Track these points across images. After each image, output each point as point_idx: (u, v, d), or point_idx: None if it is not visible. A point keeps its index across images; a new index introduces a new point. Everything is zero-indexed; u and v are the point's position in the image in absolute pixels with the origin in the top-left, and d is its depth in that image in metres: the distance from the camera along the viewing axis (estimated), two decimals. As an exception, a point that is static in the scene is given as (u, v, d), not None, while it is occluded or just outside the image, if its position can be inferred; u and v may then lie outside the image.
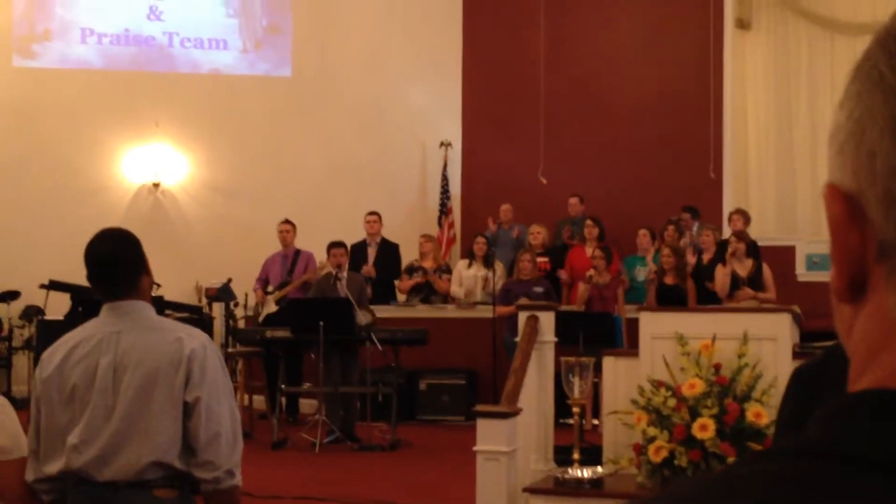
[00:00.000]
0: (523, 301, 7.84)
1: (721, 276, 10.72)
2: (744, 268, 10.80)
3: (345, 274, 10.76)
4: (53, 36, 14.73)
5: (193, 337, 3.30)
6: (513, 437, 6.18)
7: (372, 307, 11.04)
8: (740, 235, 11.09)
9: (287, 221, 12.27)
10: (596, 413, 10.01)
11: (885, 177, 0.69)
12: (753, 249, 10.96)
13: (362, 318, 10.40)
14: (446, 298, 12.71)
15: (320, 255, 11.46)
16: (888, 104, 0.69)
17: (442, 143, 14.73)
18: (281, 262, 12.17)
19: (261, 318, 11.97)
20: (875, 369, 0.71)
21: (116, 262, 3.33)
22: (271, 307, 11.95)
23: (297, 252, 12.20)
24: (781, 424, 1.45)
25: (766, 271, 10.82)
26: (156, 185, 14.60)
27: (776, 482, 0.66)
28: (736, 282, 10.68)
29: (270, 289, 12.07)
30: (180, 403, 3.21)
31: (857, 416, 0.69)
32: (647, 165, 13.90)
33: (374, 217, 12.84)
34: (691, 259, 11.70)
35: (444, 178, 14.64)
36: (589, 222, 12.60)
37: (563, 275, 12.24)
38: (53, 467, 3.27)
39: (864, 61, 0.72)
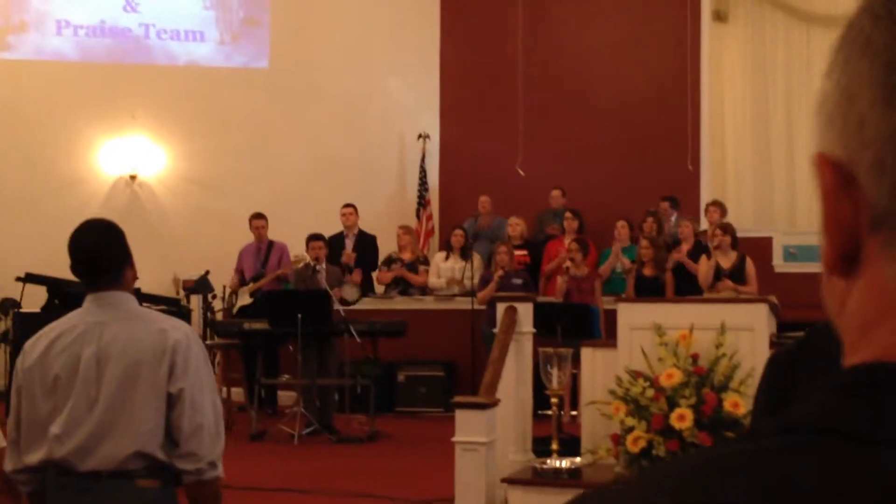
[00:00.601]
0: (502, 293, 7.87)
1: (704, 268, 10.76)
2: (728, 260, 10.83)
3: (323, 266, 10.78)
4: (29, 27, 14.65)
5: (177, 328, 3.31)
6: (491, 428, 6.21)
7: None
8: (726, 228, 11.09)
9: (260, 216, 12.24)
10: (574, 404, 10.05)
11: (875, 144, 0.68)
12: (735, 241, 11.00)
13: (349, 294, 10.42)
14: (424, 290, 12.73)
15: (298, 248, 11.45)
16: (875, 70, 0.68)
17: (420, 136, 14.73)
18: (255, 254, 12.16)
19: (234, 310, 11.95)
20: (871, 344, 0.70)
21: (101, 253, 3.34)
22: (245, 299, 11.94)
23: (271, 244, 12.19)
24: (757, 412, 1.47)
25: (750, 265, 10.83)
26: (133, 178, 14.55)
27: (772, 458, 0.64)
28: (718, 274, 10.72)
29: (244, 280, 12.07)
30: (163, 394, 3.22)
31: (855, 390, 0.67)
32: (625, 157, 13.94)
33: (350, 209, 12.84)
34: (680, 249, 11.69)
35: (423, 170, 14.65)
36: (568, 215, 12.65)
37: (546, 265, 12.23)
38: (34, 457, 3.27)
39: (849, 29, 0.71)
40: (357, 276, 12.26)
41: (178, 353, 3.23)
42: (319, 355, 10.43)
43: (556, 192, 13.43)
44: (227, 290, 12.21)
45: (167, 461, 3.23)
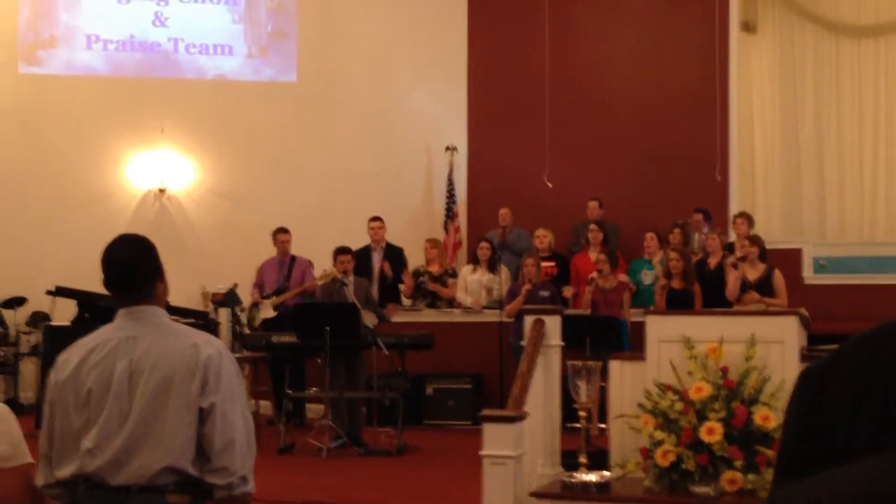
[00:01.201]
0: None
1: (732, 280, 10.70)
2: (756, 271, 10.76)
3: (351, 279, 10.79)
4: (59, 42, 14.77)
5: (209, 343, 3.32)
6: (519, 441, 6.18)
7: (382, 310, 11.08)
8: (754, 240, 11.03)
9: (285, 230, 12.26)
10: (603, 417, 10.00)
11: None
12: (763, 253, 10.94)
13: (368, 319, 10.43)
14: (452, 302, 12.71)
15: (325, 261, 11.46)
16: None
17: (447, 148, 14.74)
18: (277, 268, 12.18)
19: (256, 323, 11.96)
20: None
21: (133, 268, 3.36)
22: (269, 312, 11.96)
23: (293, 258, 12.21)
24: (789, 428, 1.45)
25: (778, 277, 10.75)
26: (161, 191, 14.63)
27: None
28: (744, 286, 10.66)
29: (265, 293, 12.08)
30: (195, 409, 3.22)
31: None
32: (654, 168, 13.90)
33: (378, 223, 12.85)
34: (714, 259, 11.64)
35: (450, 183, 14.65)
36: (593, 227, 12.61)
37: (567, 293, 12.14)
38: (66, 471, 3.28)
39: None
40: (392, 311, 12.11)
41: (211, 368, 3.24)
42: (348, 368, 10.44)
43: (592, 204, 13.39)
44: (249, 304, 12.24)
45: (198, 476, 3.24)
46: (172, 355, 3.26)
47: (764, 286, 10.67)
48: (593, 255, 12.10)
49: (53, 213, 14.16)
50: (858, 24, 14.09)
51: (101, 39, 14.82)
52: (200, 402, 3.22)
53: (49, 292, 11.66)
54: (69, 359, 3.35)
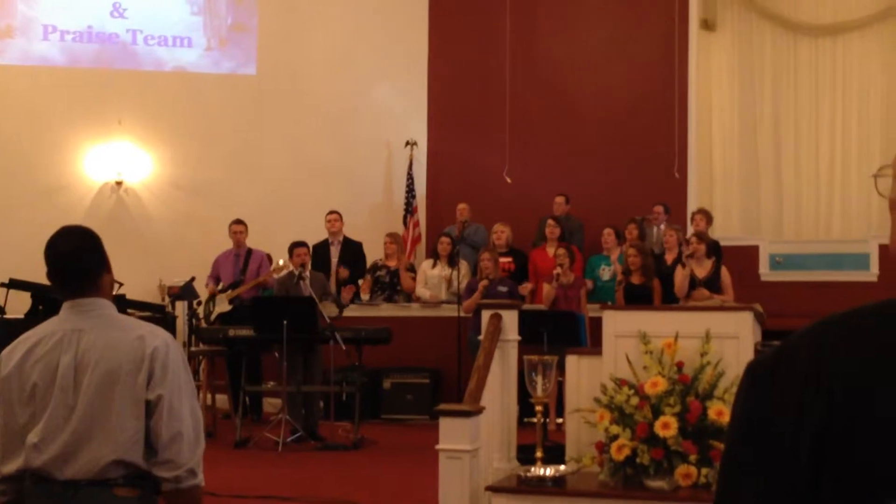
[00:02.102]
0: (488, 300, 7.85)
1: (680, 277, 10.77)
2: (703, 269, 10.84)
3: (307, 273, 10.76)
4: (15, 33, 14.60)
5: (155, 335, 3.28)
6: (475, 435, 6.19)
7: (339, 298, 11.06)
8: (701, 236, 11.13)
9: (239, 222, 12.18)
10: (560, 411, 10.03)
11: None
12: (715, 250, 11.01)
13: (328, 311, 10.40)
14: (410, 297, 12.70)
15: (283, 255, 11.42)
16: None
17: (407, 143, 14.71)
18: (233, 261, 12.08)
19: (212, 317, 11.89)
20: None
21: (77, 260, 3.31)
22: (224, 306, 11.88)
23: (249, 251, 12.13)
24: (734, 423, 1.44)
25: (725, 273, 10.86)
26: (119, 184, 14.50)
27: None
28: (693, 282, 10.73)
29: (221, 286, 12.00)
30: (142, 402, 3.19)
31: None
32: (612, 165, 13.94)
33: (335, 216, 12.83)
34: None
35: (410, 178, 14.62)
36: (551, 222, 12.63)
37: (524, 290, 12.13)
38: (12, 466, 3.24)
39: None
40: (347, 293, 12.17)
41: (157, 360, 3.20)
42: (304, 362, 10.41)
43: (559, 199, 13.39)
44: (204, 298, 12.15)
45: (147, 469, 3.20)
46: (118, 348, 3.22)
47: (712, 283, 10.75)
48: (551, 250, 12.12)
49: (8, 204, 14.01)
50: (816, 23, 14.20)
51: (58, 30, 14.67)
52: (147, 395, 3.18)
53: (2, 284, 11.53)
54: (13, 353, 3.30)
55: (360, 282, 12.90)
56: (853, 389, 1.30)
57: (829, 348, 1.35)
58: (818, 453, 1.30)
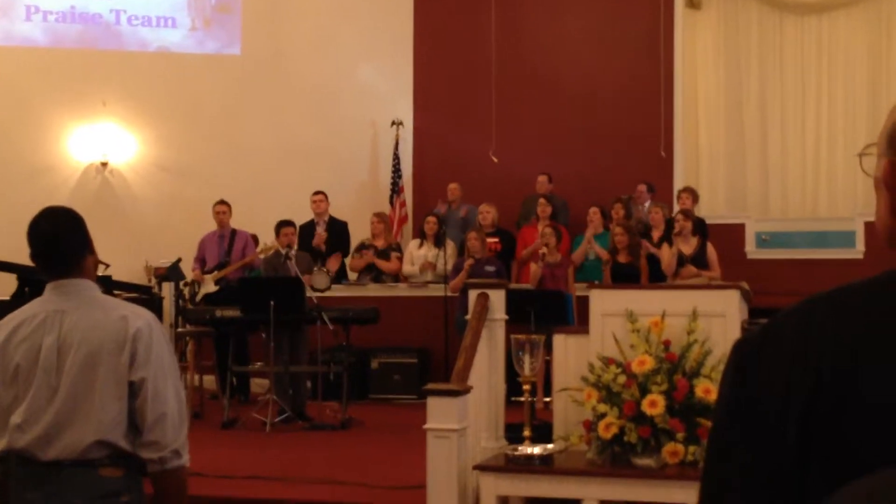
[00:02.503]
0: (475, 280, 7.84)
1: (667, 255, 10.79)
2: (689, 246, 10.88)
3: (294, 252, 10.74)
4: (-3, 13, 14.50)
5: (139, 316, 3.27)
6: (463, 414, 6.19)
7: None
8: (687, 214, 11.17)
9: (223, 202, 12.14)
10: (547, 390, 10.04)
11: None
12: (701, 227, 11.04)
13: (319, 282, 10.38)
14: (397, 277, 12.70)
15: (269, 235, 11.39)
16: None
17: (393, 123, 14.67)
18: (218, 242, 12.04)
19: (198, 298, 11.86)
20: None
21: (60, 241, 3.29)
22: (210, 287, 11.84)
23: (234, 232, 12.09)
24: (720, 402, 1.44)
25: (711, 250, 10.91)
26: (104, 165, 14.44)
27: None
28: (681, 260, 10.76)
29: (207, 268, 11.96)
30: (125, 383, 3.18)
31: None
32: (599, 145, 13.94)
33: (320, 196, 12.80)
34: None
35: (396, 157, 14.60)
36: (542, 201, 12.63)
37: (521, 251, 12.18)
38: (-5, 447, 3.23)
39: None
40: (333, 263, 12.21)
41: (140, 342, 3.19)
42: (292, 342, 10.40)
43: (542, 178, 13.38)
44: (190, 279, 12.12)
45: (130, 450, 3.19)
46: (101, 328, 3.20)
47: (699, 259, 10.79)
48: (541, 228, 12.12)
49: (-8, 186, 13.95)
50: (802, 1, 14.19)
51: (40, 10, 14.56)
52: (130, 376, 3.17)
53: (-13, 266, 11.47)
54: None
55: (347, 261, 12.89)
56: (840, 368, 1.29)
57: (816, 326, 1.34)
58: (805, 432, 1.29)
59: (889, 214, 1.43)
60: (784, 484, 1.30)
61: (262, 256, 11.34)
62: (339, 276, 12.57)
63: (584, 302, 7.48)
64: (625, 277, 10.77)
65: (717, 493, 1.37)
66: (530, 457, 6.18)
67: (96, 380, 3.17)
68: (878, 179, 1.45)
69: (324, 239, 12.43)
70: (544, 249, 11.25)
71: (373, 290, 12.47)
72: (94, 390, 3.17)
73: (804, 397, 1.30)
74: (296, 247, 10.89)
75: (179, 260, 12.35)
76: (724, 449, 1.38)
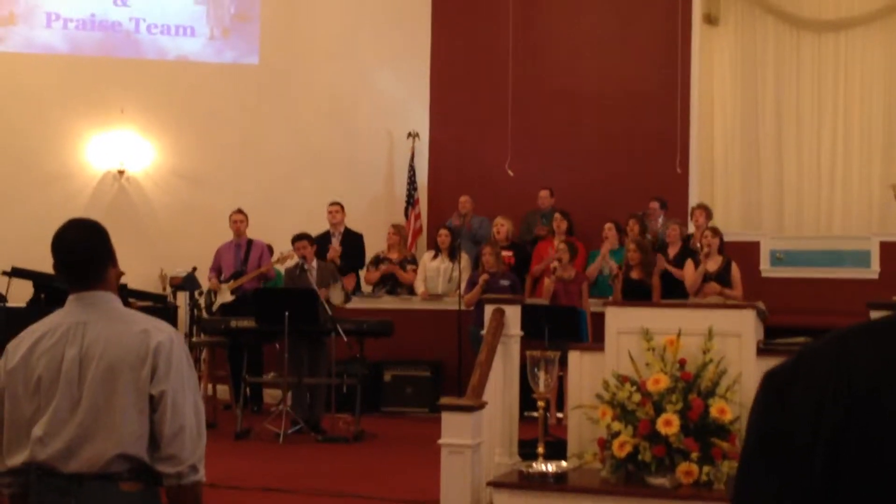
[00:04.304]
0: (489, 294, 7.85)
1: (691, 272, 10.77)
2: (714, 263, 10.86)
3: (314, 264, 10.75)
4: (18, 20, 14.57)
5: (160, 329, 3.28)
6: (477, 430, 6.19)
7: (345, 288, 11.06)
8: (715, 232, 11.13)
9: (240, 211, 12.16)
10: (561, 407, 10.04)
11: None
12: (722, 245, 11.03)
13: (335, 296, 10.38)
14: (412, 290, 12.70)
15: (285, 244, 11.41)
16: None
17: (409, 134, 14.69)
18: (234, 252, 12.05)
19: (214, 307, 11.88)
20: None
21: (84, 253, 3.31)
22: (226, 296, 11.86)
23: (250, 242, 12.10)
24: (750, 431, 1.44)
25: (735, 269, 10.87)
26: (121, 172, 14.48)
27: None
28: (704, 277, 10.74)
29: (223, 277, 11.98)
30: (146, 396, 3.19)
31: None
32: (615, 159, 13.93)
33: (337, 207, 12.81)
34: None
35: (412, 169, 14.61)
36: (557, 216, 12.60)
37: (535, 267, 12.19)
38: (17, 459, 3.24)
39: None
40: (350, 281, 12.17)
41: (161, 355, 3.20)
42: (310, 354, 10.40)
43: (543, 193, 13.38)
44: (206, 289, 12.14)
45: (151, 464, 3.21)
46: (122, 341, 3.22)
47: (723, 277, 10.77)
48: (556, 243, 12.11)
49: (10, 192, 14.00)
50: (819, 18, 14.17)
51: (61, 18, 14.64)
52: (150, 390, 3.18)
53: (5, 273, 11.52)
54: (19, 346, 3.30)
55: (362, 273, 12.89)
56: (872, 399, 1.31)
57: (850, 358, 1.35)
58: (834, 461, 1.30)
59: None
60: None
61: (276, 266, 11.35)
62: (353, 288, 12.54)
63: (598, 318, 7.49)
64: (637, 294, 10.76)
65: None
66: (544, 474, 6.18)
67: (117, 393, 3.18)
68: None
69: (338, 253, 12.44)
70: (556, 264, 11.25)
71: (387, 302, 12.47)
72: (115, 403, 3.18)
73: (833, 427, 1.31)
74: (312, 259, 10.88)
75: (195, 269, 12.40)
76: (752, 482, 1.39)
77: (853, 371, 1.33)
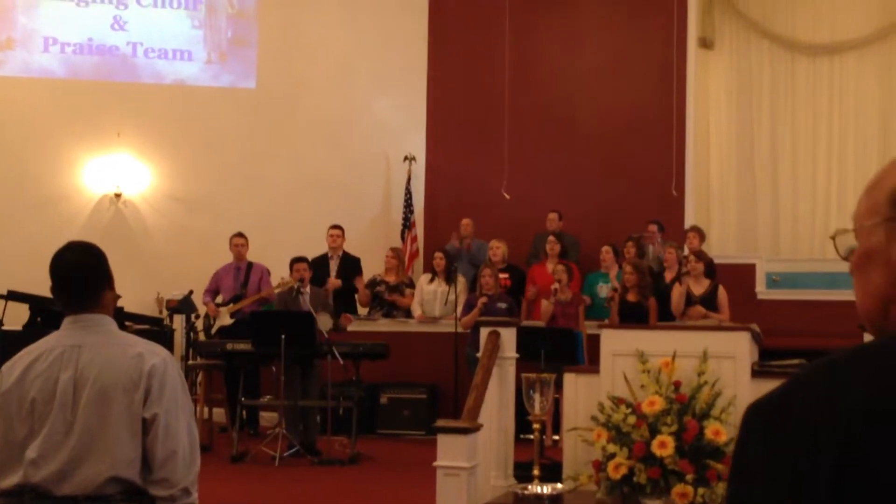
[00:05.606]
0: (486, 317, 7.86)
1: (676, 295, 10.79)
2: (700, 287, 10.87)
3: (307, 288, 10.77)
4: (16, 44, 14.62)
5: (154, 353, 3.29)
6: (473, 452, 6.19)
7: (337, 319, 11.03)
8: (700, 255, 11.15)
9: (240, 235, 12.17)
10: (556, 429, 10.03)
11: None
12: (710, 269, 11.02)
13: (323, 323, 10.39)
14: (408, 312, 12.71)
15: (282, 268, 11.42)
16: None
17: (406, 157, 14.72)
18: (234, 275, 12.05)
19: (213, 331, 11.86)
20: None
21: (81, 276, 3.33)
22: (225, 320, 11.84)
23: (250, 265, 12.10)
24: (744, 469, 1.42)
25: (722, 293, 10.88)
26: (117, 196, 14.51)
27: None
28: (689, 300, 10.75)
29: (220, 300, 11.96)
30: (139, 419, 3.20)
31: None
32: (610, 182, 13.96)
33: (337, 231, 12.82)
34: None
35: (408, 192, 14.64)
36: (551, 238, 12.63)
37: (530, 290, 12.21)
38: (10, 481, 3.24)
39: None
40: (347, 321, 12.08)
41: (154, 378, 3.22)
42: (303, 377, 10.41)
43: (552, 216, 13.39)
44: (203, 313, 12.12)
45: (143, 487, 3.21)
46: (116, 365, 3.23)
47: (709, 301, 10.77)
48: (551, 266, 12.13)
49: (7, 215, 14.01)
50: (814, 42, 14.25)
51: (58, 42, 14.69)
52: (144, 413, 3.19)
53: (1, 296, 11.53)
54: (13, 368, 3.31)
55: (357, 295, 12.88)
56: (869, 425, 1.29)
57: (842, 385, 1.34)
58: (838, 489, 1.29)
59: (890, 285, 1.43)
60: None
61: (276, 291, 11.36)
62: (350, 311, 12.50)
63: (594, 340, 7.50)
64: (633, 317, 10.77)
65: None
66: (540, 496, 6.19)
67: (111, 416, 3.19)
68: (872, 250, 1.45)
69: (337, 286, 12.45)
70: (556, 285, 11.27)
71: (383, 325, 12.48)
72: (109, 426, 3.19)
73: (834, 455, 1.29)
74: (309, 282, 10.89)
75: (191, 292, 12.40)
76: None
77: (848, 398, 1.32)
